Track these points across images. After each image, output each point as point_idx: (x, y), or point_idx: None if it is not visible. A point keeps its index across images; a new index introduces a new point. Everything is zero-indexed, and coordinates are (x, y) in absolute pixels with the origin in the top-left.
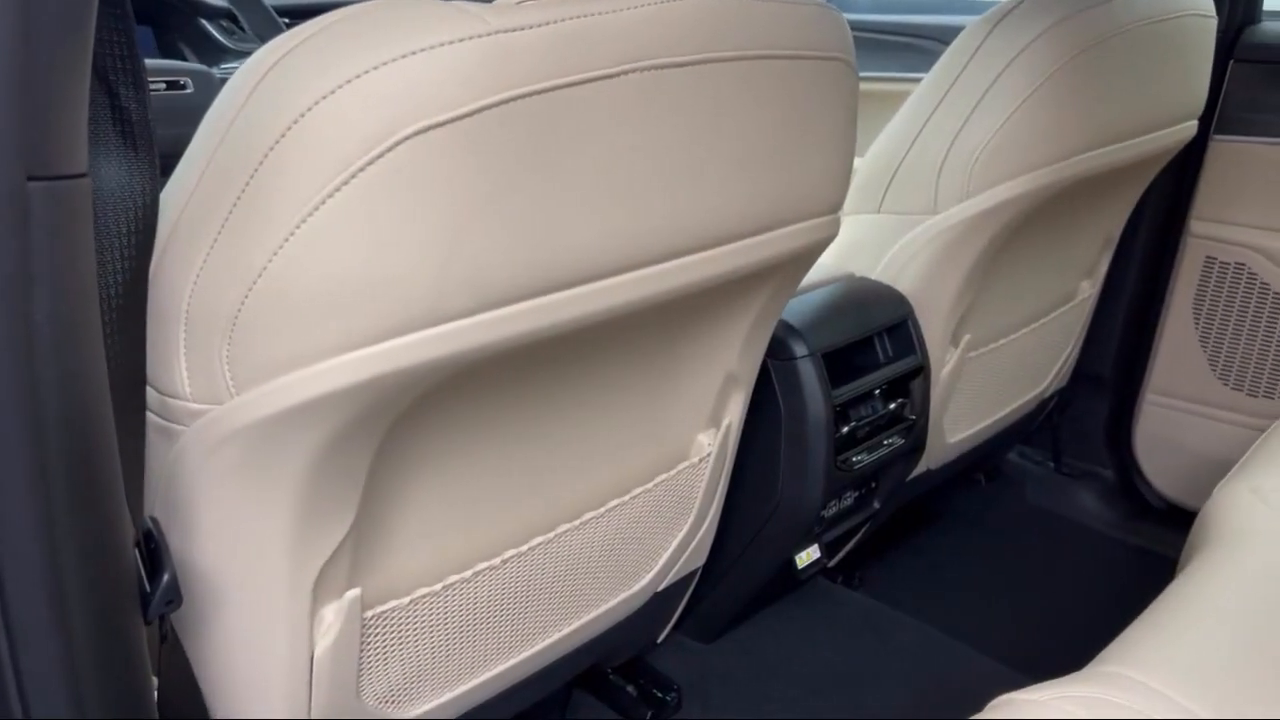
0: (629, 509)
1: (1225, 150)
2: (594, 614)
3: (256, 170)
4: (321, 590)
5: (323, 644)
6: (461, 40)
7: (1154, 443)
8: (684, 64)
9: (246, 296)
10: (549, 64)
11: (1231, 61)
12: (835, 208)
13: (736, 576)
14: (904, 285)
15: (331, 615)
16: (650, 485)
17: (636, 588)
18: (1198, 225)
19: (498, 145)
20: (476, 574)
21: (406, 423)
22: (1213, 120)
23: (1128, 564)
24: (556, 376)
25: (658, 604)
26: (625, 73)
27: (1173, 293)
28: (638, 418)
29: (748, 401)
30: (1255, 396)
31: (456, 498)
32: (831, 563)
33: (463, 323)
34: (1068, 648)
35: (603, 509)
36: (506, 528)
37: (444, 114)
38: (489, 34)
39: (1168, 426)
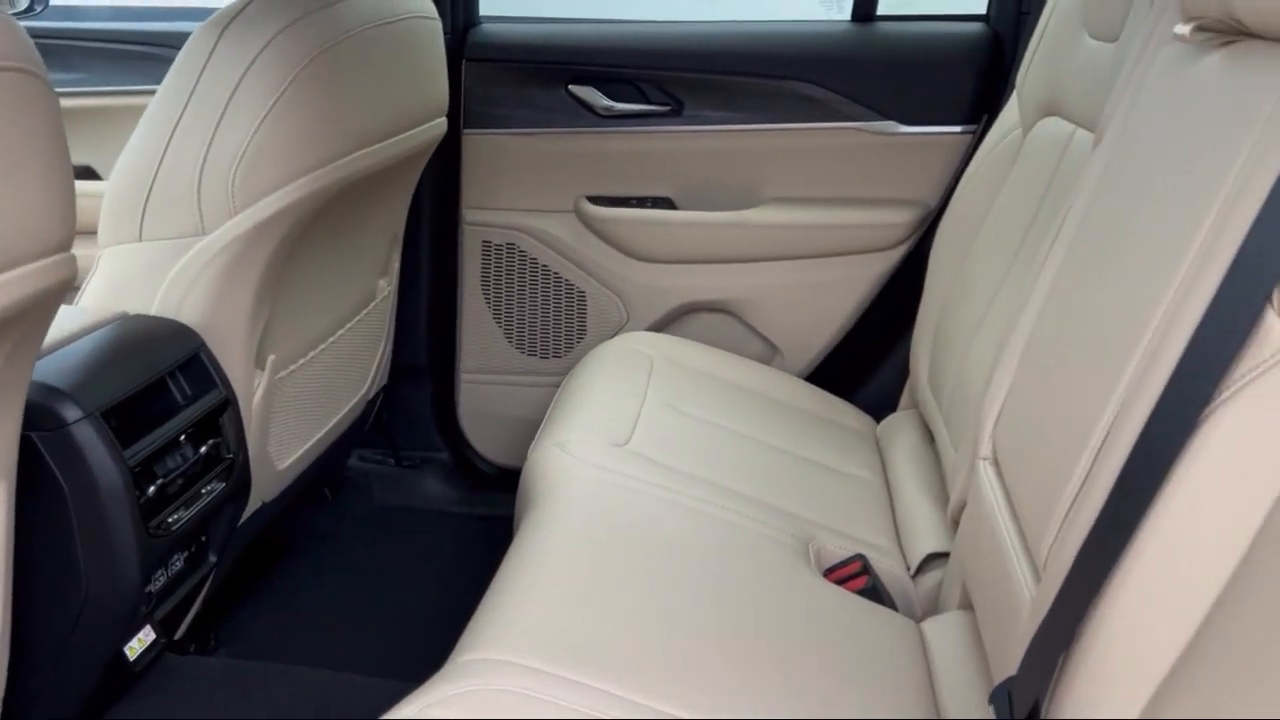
0: None
1: (477, 143)
2: None
3: None
4: None
5: None
6: None
7: (476, 418)
8: None
9: None
10: None
11: (464, 61)
12: (64, 244)
13: (49, 700)
14: (189, 316)
15: None
16: None
17: None
18: (469, 214)
19: None
20: None
21: None
22: (460, 116)
23: (479, 536)
24: None
25: None
26: None
27: (463, 278)
28: None
29: (13, 494)
30: (547, 358)
31: None
32: (178, 635)
33: None
34: (450, 638)
35: None
36: None
37: None
38: None
39: (485, 400)
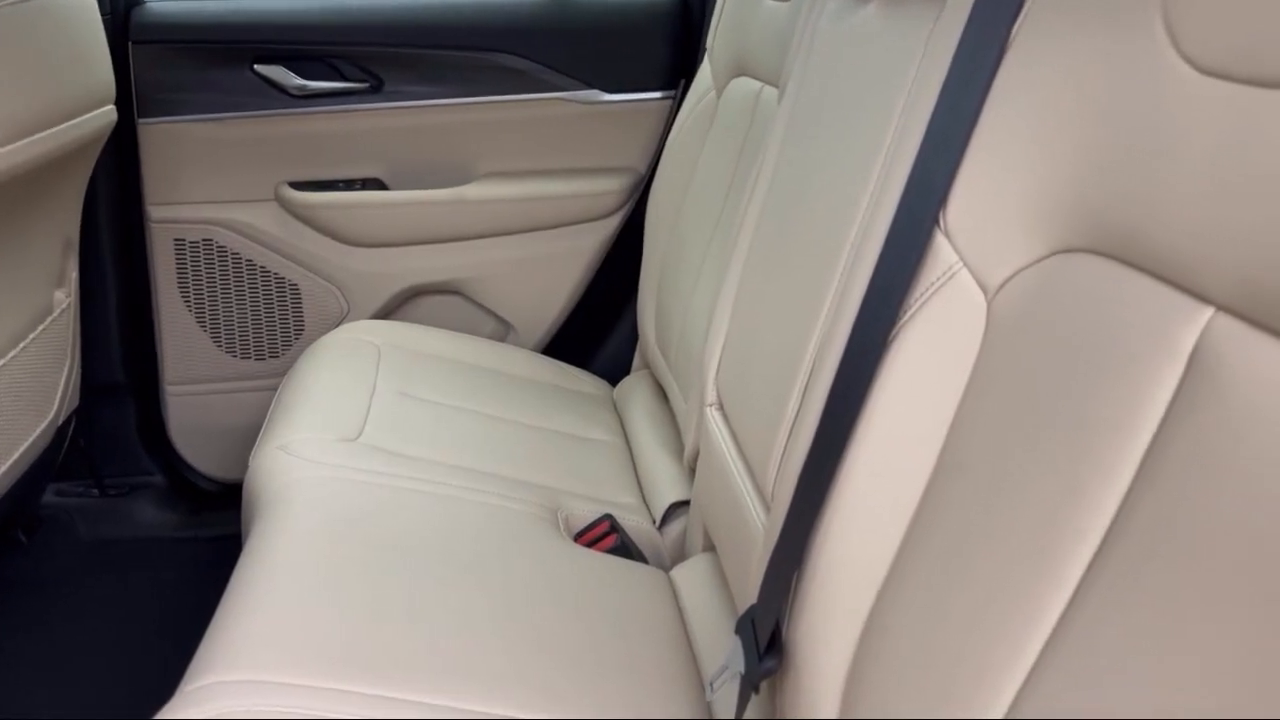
0: None
1: (156, 132)
2: None
3: None
4: None
5: None
6: None
7: (189, 432)
8: None
9: None
10: None
11: (130, 44)
12: None
13: None
14: None
15: None
16: None
17: None
18: (155, 211)
19: None
20: None
21: None
22: (133, 105)
23: (206, 559)
24: None
25: None
26: None
27: (156, 283)
28: None
29: None
30: (263, 360)
31: None
32: None
33: None
34: (184, 673)
35: None
36: None
37: None
38: None
39: (196, 413)
